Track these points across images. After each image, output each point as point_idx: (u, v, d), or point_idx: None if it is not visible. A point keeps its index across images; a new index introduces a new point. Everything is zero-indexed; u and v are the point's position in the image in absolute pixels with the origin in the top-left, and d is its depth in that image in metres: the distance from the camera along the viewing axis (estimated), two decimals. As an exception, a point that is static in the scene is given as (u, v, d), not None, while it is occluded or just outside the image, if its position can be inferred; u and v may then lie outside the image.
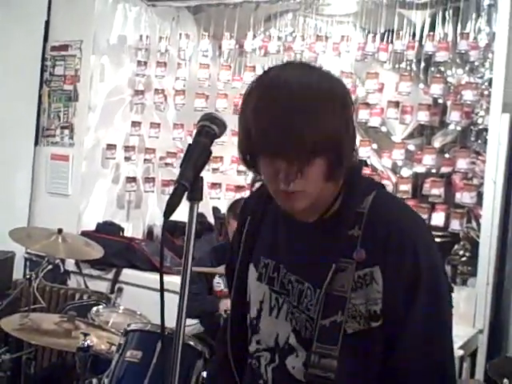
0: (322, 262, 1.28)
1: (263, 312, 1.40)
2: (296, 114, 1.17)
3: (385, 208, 1.30)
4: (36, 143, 4.62)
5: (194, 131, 1.26)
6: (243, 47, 4.52)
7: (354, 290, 1.25)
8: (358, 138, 4.10)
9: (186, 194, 1.17)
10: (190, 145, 1.22)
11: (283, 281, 1.36)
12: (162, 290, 1.20)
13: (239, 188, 4.34)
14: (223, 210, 4.38)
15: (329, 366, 1.23)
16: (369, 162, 4.17)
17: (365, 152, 3.92)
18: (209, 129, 1.24)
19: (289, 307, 1.34)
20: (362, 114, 3.93)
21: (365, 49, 4.09)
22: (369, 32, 4.17)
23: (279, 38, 4.46)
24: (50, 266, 3.80)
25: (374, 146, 4.34)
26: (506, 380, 2.18)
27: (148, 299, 3.66)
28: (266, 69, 1.33)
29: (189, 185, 1.17)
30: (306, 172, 1.21)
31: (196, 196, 1.20)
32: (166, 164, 4.60)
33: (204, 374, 2.47)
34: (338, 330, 1.24)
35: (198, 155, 1.21)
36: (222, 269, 2.99)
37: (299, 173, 1.21)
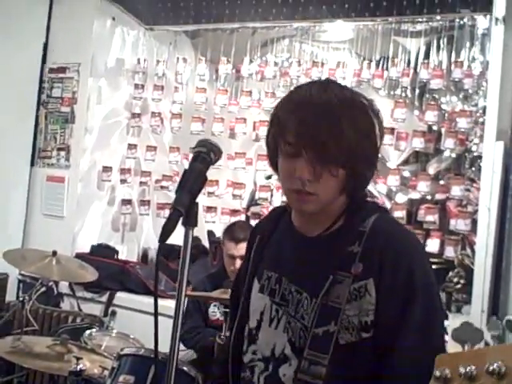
0: (321, 274, 1.32)
1: (263, 323, 1.43)
2: (325, 123, 1.27)
3: (385, 229, 1.36)
4: (32, 164, 4.62)
5: (190, 155, 1.29)
6: (240, 72, 4.56)
7: (349, 301, 1.29)
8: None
9: (181, 219, 1.19)
10: (185, 170, 1.25)
11: (284, 292, 1.40)
12: (156, 315, 1.21)
13: (234, 212, 4.35)
14: (218, 233, 4.38)
15: (318, 373, 1.27)
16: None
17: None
18: (205, 155, 1.27)
19: (287, 318, 1.38)
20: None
21: (360, 75, 4.13)
22: (364, 59, 4.21)
23: (276, 64, 4.51)
24: (43, 289, 3.78)
25: (369, 171, 4.36)
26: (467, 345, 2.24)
27: (141, 323, 3.63)
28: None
29: (184, 210, 1.19)
30: (323, 178, 1.29)
31: (191, 222, 1.22)
32: (162, 187, 4.60)
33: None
34: (330, 340, 1.28)
35: (193, 181, 1.23)
36: (217, 293, 2.98)
37: (317, 177, 1.29)
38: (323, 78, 4.18)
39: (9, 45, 4.52)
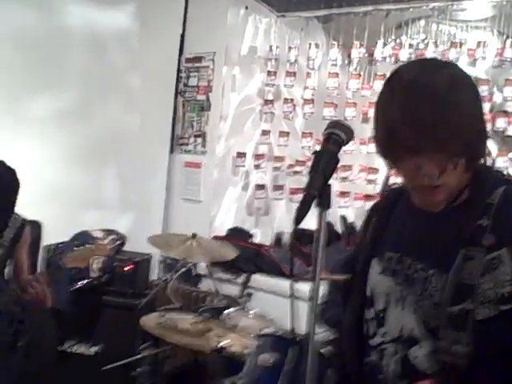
0: (449, 249, 1.29)
1: (390, 304, 1.41)
2: (449, 110, 1.21)
3: None
4: (171, 151, 4.84)
5: (322, 139, 1.28)
6: (373, 55, 4.48)
7: (483, 275, 1.25)
8: (496, 148, 3.94)
9: (315, 201, 1.19)
10: (317, 152, 1.25)
11: (407, 272, 1.37)
12: (292, 296, 1.26)
13: (368, 197, 4.30)
14: (351, 218, 4.37)
15: (460, 353, 1.22)
16: (505, 173, 3.99)
17: (502, 162, 3.77)
18: (336, 136, 1.26)
19: (414, 298, 1.35)
20: (500, 123, 3.78)
21: (503, 54, 3.93)
22: (507, 37, 3.99)
23: (410, 46, 4.39)
24: (183, 269, 3.96)
25: None
26: None
27: (277, 305, 3.69)
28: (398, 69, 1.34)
29: (317, 192, 1.19)
30: (448, 168, 1.26)
31: (324, 203, 1.21)
32: (295, 172, 4.65)
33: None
34: (467, 317, 1.24)
35: (325, 163, 1.23)
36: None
37: (443, 169, 1.25)
38: (462, 58, 4.06)
39: (148, 38, 4.74)
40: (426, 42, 4.35)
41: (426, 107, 1.21)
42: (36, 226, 4.08)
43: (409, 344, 1.35)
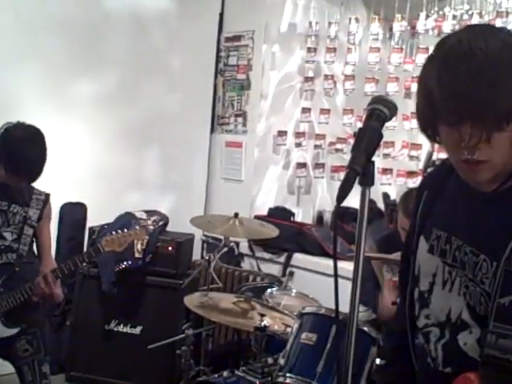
0: (501, 235, 1.21)
1: (436, 285, 1.35)
2: (485, 80, 1.12)
3: None
4: (212, 131, 4.85)
5: (364, 115, 1.25)
6: (415, 28, 4.36)
7: None
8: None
9: (358, 178, 1.16)
10: (360, 129, 1.21)
11: (456, 253, 1.31)
12: (335, 276, 1.21)
13: (410, 174, 4.23)
14: (393, 196, 4.31)
15: (508, 347, 1.17)
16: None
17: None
18: (379, 112, 1.21)
19: (463, 280, 1.29)
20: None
21: (551, 23, 3.78)
22: (556, 4, 3.84)
23: (454, 17, 4.25)
24: (225, 249, 3.98)
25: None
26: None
27: (318, 283, 3.71)
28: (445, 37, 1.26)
29: (360, 170, 1.15)
30: (492, 140, 1.15)
31: (368, 181, 1.18)
32: (336, 150, 4.60)
33: (378, 360, 2.46)
34: None
35: (368, 139, 1.19)
36: (394, 256, 2.93)
37: (486, 140, 1.15)
38: (509, 28, 3.91)
39: (187, 17, 4.73)
40: (470, 12, 4.20)
41: (464, 76, 1.14)
42: (81, 208, 4.17)
43: (458, 328, 1.29)
